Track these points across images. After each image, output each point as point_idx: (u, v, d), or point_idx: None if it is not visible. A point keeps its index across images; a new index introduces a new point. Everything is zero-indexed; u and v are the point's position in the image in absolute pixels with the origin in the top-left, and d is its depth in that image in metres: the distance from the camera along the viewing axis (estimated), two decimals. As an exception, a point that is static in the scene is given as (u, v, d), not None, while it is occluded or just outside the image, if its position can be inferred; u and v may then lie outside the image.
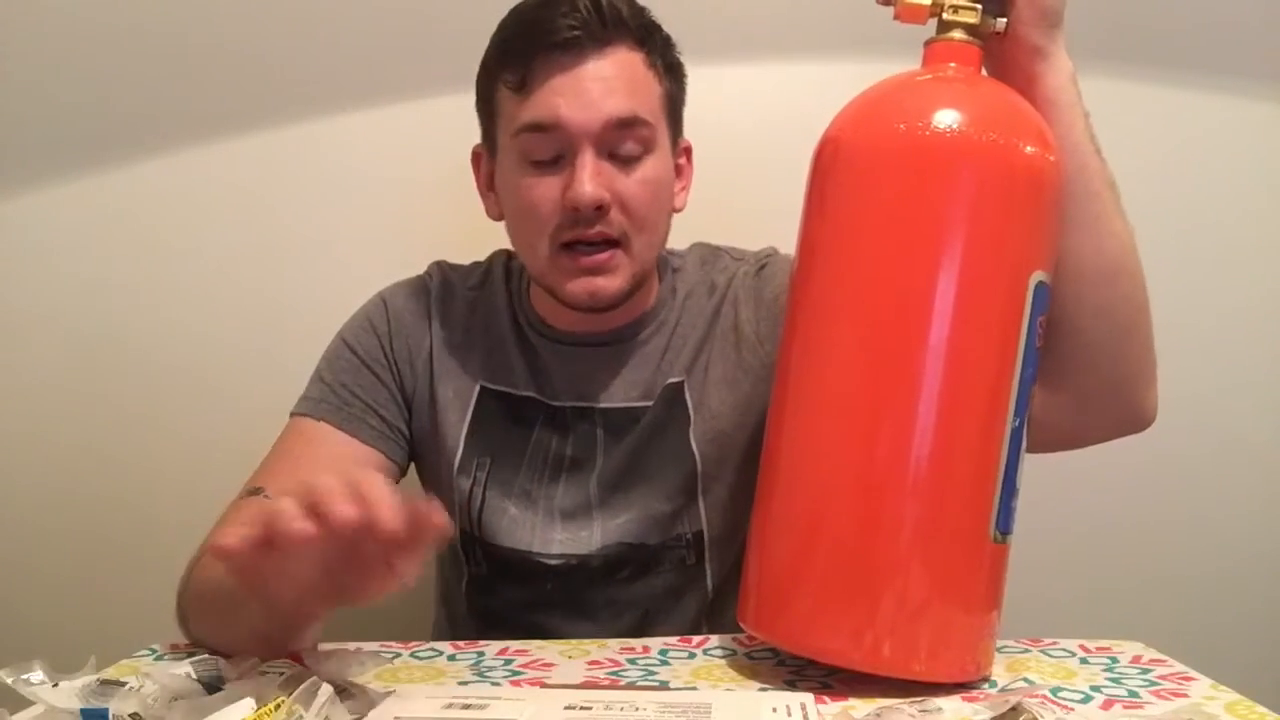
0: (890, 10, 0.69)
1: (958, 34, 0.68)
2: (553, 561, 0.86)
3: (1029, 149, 0.63)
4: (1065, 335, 0.70)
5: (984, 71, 0.70)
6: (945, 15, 0.68)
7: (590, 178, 0.78)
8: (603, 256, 0.81)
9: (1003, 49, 0.70)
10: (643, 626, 0.87)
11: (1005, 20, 0.69)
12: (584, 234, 0.80)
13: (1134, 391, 0.76)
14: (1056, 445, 0.77)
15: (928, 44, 0.69)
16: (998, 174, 0.63)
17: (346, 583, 0.56)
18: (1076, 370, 0.73)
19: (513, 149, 0.82)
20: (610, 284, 0.82)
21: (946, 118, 0.62)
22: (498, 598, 0.90)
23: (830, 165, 0.67)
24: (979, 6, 0.68)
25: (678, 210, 0.89)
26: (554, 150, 0.80)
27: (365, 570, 0.55)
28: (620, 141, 0.80)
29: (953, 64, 0.68)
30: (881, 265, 0.63)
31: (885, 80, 0.68)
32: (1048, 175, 0.64)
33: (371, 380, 0.88)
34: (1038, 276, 0.63)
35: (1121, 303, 0.73)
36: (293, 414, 0.87)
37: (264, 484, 0.79)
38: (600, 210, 0.79)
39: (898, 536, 0.62)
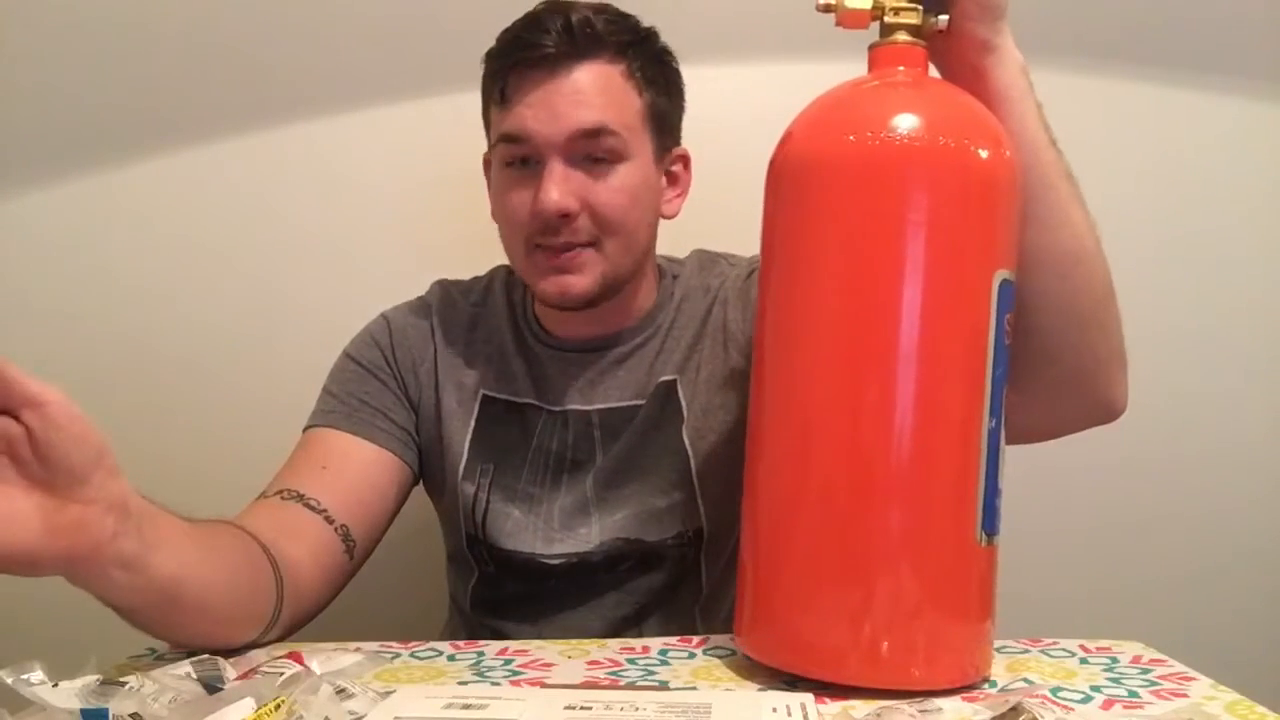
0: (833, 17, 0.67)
1: (901, 36, 0.66)
2: (555, 561, 0.88)
3: (982, 150, 0.62)
4: (1025, 328, 0.69)
5: (932, 71, 0.69)
6: (887, 18, 0.67)
7: (556, 186, 0.81)
8: (571, 254, 0.83)
9: (948, 47, 0.69)
10: (638, 618, 0.89)
11: (947, 18, 0.67)
12: (552, 240, 0.83)
13: (1098, 382, 0.75)
14: (1024, 438, 0.75)
15: (872, 48, 0.68)
16: (953, 178, 0.62)
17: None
18: (1038, 363, 0.72)
19: (496, 156, 0.86)
20: (580, 282, 0.84)
21: (896, 125, 0.61)
22: (505, 591, 0.92)
23: (782, 178, 0.66)
24: (920, 7, 0.66)
25: (669, 217, 0.91)
26: (527, 159, 0.83)
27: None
28: (591, 150, 0.82)
29: (900, 67, 0.66)
30: (845, 277, 0.62)
31: (834, 88, 0.67)
32: (1004, 173, 0.63)
33: (378, 387, 0.90)
34: (1001, 275, 0.62)
35: (1081, 293, 0.72)
36: (305, 429, 0.89)
37: (288, 485, 0.81)
38: (566, 218, 0.82)
39: (882, 545, 0.62)
